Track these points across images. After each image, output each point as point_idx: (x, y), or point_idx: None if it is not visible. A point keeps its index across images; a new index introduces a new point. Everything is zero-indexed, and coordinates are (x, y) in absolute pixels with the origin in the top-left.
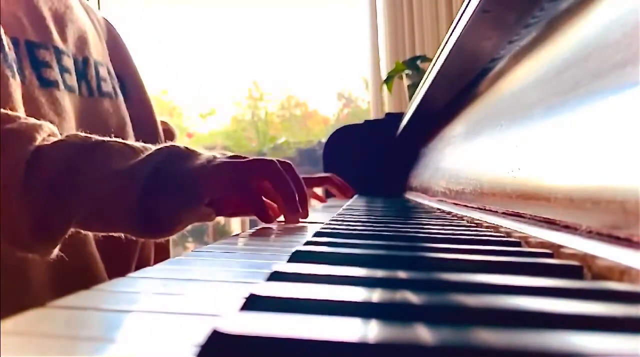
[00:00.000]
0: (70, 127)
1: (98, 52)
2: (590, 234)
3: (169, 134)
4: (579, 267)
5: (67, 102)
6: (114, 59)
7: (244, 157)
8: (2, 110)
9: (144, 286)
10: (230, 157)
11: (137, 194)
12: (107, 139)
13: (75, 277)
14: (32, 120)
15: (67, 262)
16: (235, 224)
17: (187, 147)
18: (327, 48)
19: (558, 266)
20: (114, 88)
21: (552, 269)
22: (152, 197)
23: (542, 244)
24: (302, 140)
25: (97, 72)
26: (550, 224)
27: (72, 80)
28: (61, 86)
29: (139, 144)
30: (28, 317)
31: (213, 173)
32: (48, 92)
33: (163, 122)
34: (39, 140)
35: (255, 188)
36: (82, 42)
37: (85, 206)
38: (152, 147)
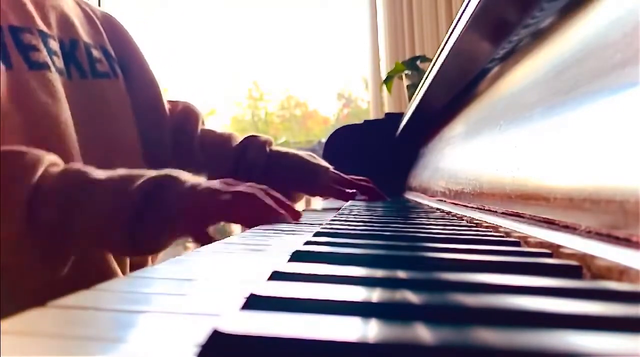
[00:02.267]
0: (65, 109)
1: (89, 34)
2: (590, 234)
3: (193, 115)
4: (578, 267)
5: (59, 84)
6: (117, 45)
7: (230, 184)
8: (4, 146)
9: (144, 286)
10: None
11: (128, 223)
12: (103, 176)
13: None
14: (32, 152)
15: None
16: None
17: (171, 176)
18: (327, 48)
19: (557, 265)
20: (112, 68)
21: (551, 269)
22: (140, 224)
23: (542, 244)
24: (302, 140)
25: (89, 54)
26: (550, 224)
27: (61, 63)
28: (52, 68)
29: (136, 172)
30: (28, 317)
31: (194, 207)
32: (40, 75)
33: (186, 103)
34: (39, 174)
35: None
36: (67, 24)
37: (84, 236)
38: (146, 174)
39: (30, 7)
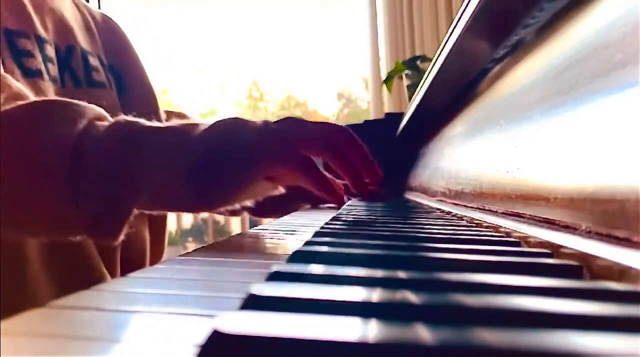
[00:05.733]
0: None
1: (86, 41)
2: (590, 234)
3: None
4: (579, 267)
5: (52, 94)
6: (113, 51)
7: (301, 122)
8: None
9: (143, 286)
10: (283, 121)
11: (191, 174)
12: (156, 124)
13: (73, 272)
14: (74, 103)
15: (66, 257)
16: (235, 223)
17: (237, 119)
18: (327, 48)
19: (557, 265)
20: (107, 78)
21: (551, 269)
22: (205, 175)
23: (542, 244)
24: None
25: (86, 61)
26: (550, 224)
27: (55, 71)
28: (45, 76)
29: (192, 121)
30: (28, 317)
31: (267, 146)
32: (31, 83)
33: (181, 114)
34: (81, 128)
35: (310, 165)
36: (65, 30)
37: (141, 192)
38: (205, 123)
39: (30, 10)
